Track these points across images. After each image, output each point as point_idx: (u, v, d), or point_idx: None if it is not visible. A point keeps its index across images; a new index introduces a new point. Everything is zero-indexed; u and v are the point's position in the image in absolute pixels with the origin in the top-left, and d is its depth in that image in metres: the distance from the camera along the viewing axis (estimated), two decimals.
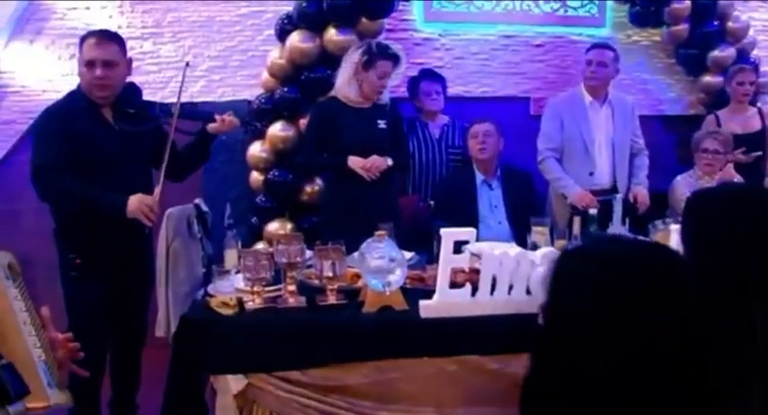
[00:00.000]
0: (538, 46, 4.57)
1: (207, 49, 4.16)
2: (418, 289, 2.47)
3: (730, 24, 4.40)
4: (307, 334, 2.24)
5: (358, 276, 2.52)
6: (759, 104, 4.32)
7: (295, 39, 3.71)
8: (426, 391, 2.25)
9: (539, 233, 2.82)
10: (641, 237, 1.90)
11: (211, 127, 2.85)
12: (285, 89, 3.80)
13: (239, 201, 4.20)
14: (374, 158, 3.22)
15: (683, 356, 1.03)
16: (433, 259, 2.78)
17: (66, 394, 1.26)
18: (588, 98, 3.69)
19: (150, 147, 2.72)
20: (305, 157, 3.43)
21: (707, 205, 1.53)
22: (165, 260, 2.74)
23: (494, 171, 3.58)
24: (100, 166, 2.58)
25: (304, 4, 3.72)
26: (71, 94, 2.69)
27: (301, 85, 3.79)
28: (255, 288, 2.31)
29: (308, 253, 2.48)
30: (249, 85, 4.15)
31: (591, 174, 3.66)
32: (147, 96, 2.91)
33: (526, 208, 3.41)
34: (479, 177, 3.57)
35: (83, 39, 2.64)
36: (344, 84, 3.28)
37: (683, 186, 3.68)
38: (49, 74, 3.98)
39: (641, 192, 3.65)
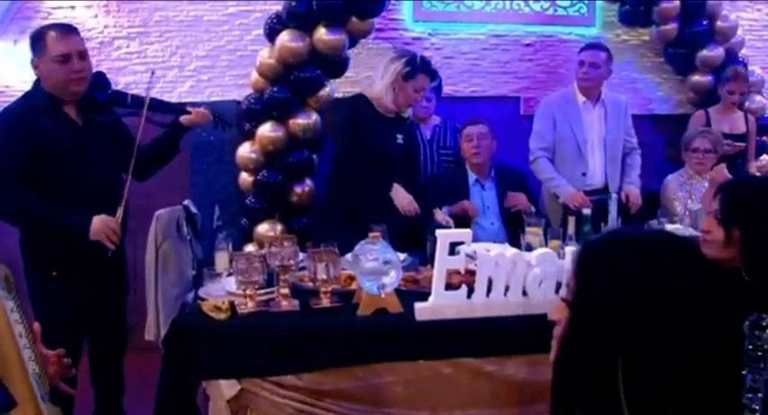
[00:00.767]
0: (527, 45, 4.57)
1: (195, 49, 4.12)
2: (412, 291, 2.44)
3: (719, 24, 4.41)
4: (301, 338, 2.20)
5: (352, 278, 2.49)
6: (747, 104, 4.34)
7: (285, 38, 3.67)
8: (422, 394, 2.23)
9: (533, 233, 2.81)
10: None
11: (185, 118, 2.77)
12: (275, 89, 3.76)
13: (228, 203, 4.16)
14: (413, 204, 3.18)
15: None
16: (426, 260, 2.77)
17: (58, 410, 1.23)
18: (581, 98, 3.68)
19: (114, 143, 2.62)
20: (346, 161, 3.26)
21: (749, 194, 1.65)
22: (155, 262, 2.70)
23: (487, 171, 3.56)
24: (64, 165, 2.47)
25: (293, 4, 3.68)
26: (29, 95, 2.55)
27: (291, 85, 3.75)
28: (248, 292, 2.27)
29: (301, 255, 2.45)
30: (238, 85, 4.12)
31: (583, 174, 3.65)
32: None
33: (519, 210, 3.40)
34: (472, 177, 3.54)
35: (40, 35, 2.48)
36: (383, 91, 3.22)
37: (675, 185, 3.68)
38: (33, 74, 3.89)
39: (633, 192, 3.64)
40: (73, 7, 3.99)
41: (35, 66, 2.51)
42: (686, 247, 1.11)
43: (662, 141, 4.75)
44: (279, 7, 3.86)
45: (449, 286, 2.28)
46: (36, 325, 1.29)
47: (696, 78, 4.51)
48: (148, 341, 2.67)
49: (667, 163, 4.52)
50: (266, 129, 3.79)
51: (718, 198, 1.70)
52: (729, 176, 3.53)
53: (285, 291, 2.31)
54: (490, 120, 3.68)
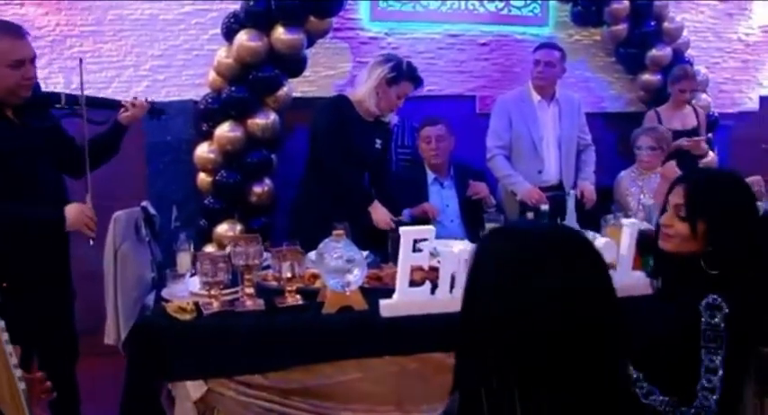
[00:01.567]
0: (483, 45, 4.63)
1: (150, 48, 4.05)
2: (376, 288, 2.47)
3: (666, 25, 4.55)
4: (267, 337, 2.22)
5: (315, 276, 2.50)
6: (694, 102, 4.49)
7: (243, 38, 3.65)
8: (388, 389, 2.27)
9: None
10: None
11: (123, 116, 2.72)
12: (233, 89, 3.73)
13: (185, 203, 4.12)
14: (390, 222, 3.14)
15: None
16: (387, 258, 2.79)
17: None
18: (536, 97, 3.76)
19: (54, 144, 2.56)
20: (333, 165, 3.18)
21: (716, 193, 1.73)
22: (113, 264, 2.65)
23: (446, 170, 3.60)
24: (8, 167, 2.37)
25: (251, 3, 3.66)
26: None
27: (249, 85, 3.73)
28: (213, 292, 2.27)
29: (264, 255, 2.46)
30: (194, 85, 4.07)
31: (539, 172, 3.73)
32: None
33: (478, 206, 3.45)
34: (431, 176, 3.58)
35: None
36: (367, 94, 3.20)
37: (627, 181, 3.79)
38: None
39: (588, 188, 3.73)
40: (22, 4, 3.88)
41: None
42: (580, 239, 1.14)
43: (613, 138, 4.88)
44: (235, 6, 3.83)
45: (411, 283, 2.32)
46: (17, 348, 1.27)
47: (646, 77, 4.65)
48: (107, 345, 2.62)
49: (619, 160, 4.65)
50: (225, 129, 3.76)
51: (683, 192, 1.73)
52: (679, 172, 3.66)
53: (250, 291, 2.31)
54: (447, 118, 3.73)
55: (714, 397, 1.56)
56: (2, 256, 2.38)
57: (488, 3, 4.56)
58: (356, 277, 2.28)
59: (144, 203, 2.87)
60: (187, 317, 2.23)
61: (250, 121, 3.77)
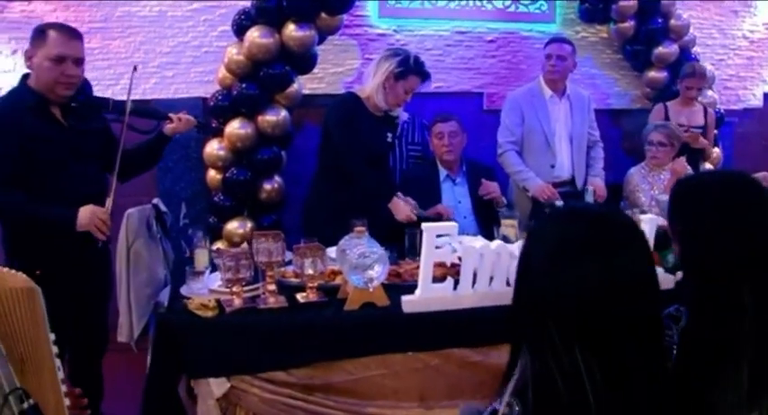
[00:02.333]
0: (490, 41, 4.64)
1: (158, 45, 4.03)
2: (396, 284, 2.47)
3: (673, 22, 4.57)
4: (290, 334, 2.22)
5: (335, 273, 2.50)
6: (700, 98, 4.50)
7: (254, 34, 3.64)
8: (411, 385, 2.27)
9: (508, 225, 2.86)
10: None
11: (168, 127, 2.76)
12: (243, 85, 3.72)
13: (194, 200, 4.12)
14: (409, 211, 3.13)
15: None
16: (403, 253, 2.79)
17: None
18: (548, 92, 3.76)
19: (101, 146, 2.61)
20: (352, 163, 3.14)
21: (694, 192, 1.58)
22: (126, 262, 2.64)
23: (458, 167, 3.59)
24: (50, 166, 2.45)
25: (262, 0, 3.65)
26: (14, 92, 2.53)
27: (260, 82, 3.72)
28: (235, 289, 2.26)
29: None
30: (204, 82, 4.06)
31: (552, 166, 3.73)
32: (97, 93, 2.80)
33: (491, 203, 3.45)
34: (443, 173, 3.57)
35: (43, 30, 2.46)
36: (375, 89, 3.17)
37: (637, 177, 3.79)
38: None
39: (599, 184, 3.73)
40: (29, 1, 3.86)
41: (28, 56, 2.47)
42: (631, 226, 1.19)
43: (619, 135, 4.90)
44: (244, 3, 3.82)
45: (432, 279, 2.32)
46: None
47: (652, 74, 4.67)
48: (120, 343, 2.62)
49: (624, 156, 4.67)
50: (235, 126, 3.75)
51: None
52: (689, 168, 3.68)
53: (272, 287, 2.31)
54: (457, 115, 3.73)
55: None
56: (35, 243, 2.43)
57: (496, 0, 4.56)
58: (378, 273, 2.27)
59: (155, 200, 2.87)
60: (209, 314, 2.22)
61: (260, 118, 3.77)
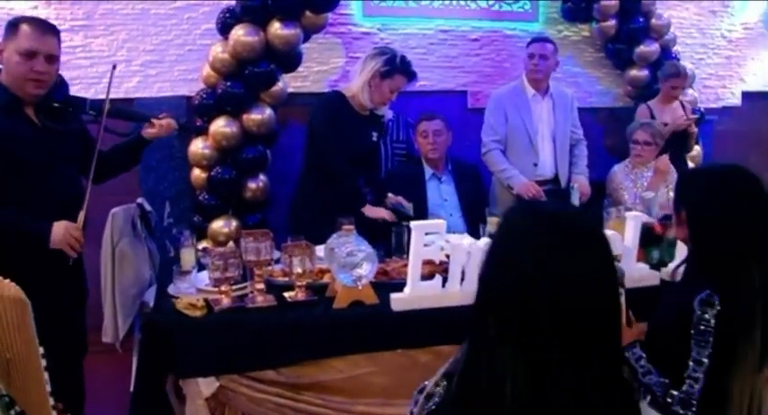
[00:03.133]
0: (474, 40, 4.66)
1: (141, 43, 4.00)
2: (383, 283, 2.47)
3: (654, 21, 4.63)
4: (279, 333, 2.21)
5: (323, 271, 2.50)
6: (680, 97, 4.56)
7: (239, 32, 3.62)
8: (401, 383, 2.26)
9: (495, 223, 2.87)
10: None
11: (148, 132, 2.66)
12: (228, 84, 3.70)
13: (178, 199, 4.09)
14: (384, 211, 3.19)
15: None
16: (389, 251, 2.80)
17: None
18: (531, 90, 3.78)
19: (77, 148, 2.51)
20: (335, 164, 3.16)
21: (695, 186, 1.83)
22: (111, 261, 2.61)
23: (444, 165, 3.60)
24: (24, 168, 2.34)
25: None
26: None
27: (245, 80, 3.71)
28: (223, 288, 2.26)
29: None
30: (188, 80, 4.03)
31: (535, 165, 3.75)
32: (78, 92, 2.71)
33: (476, 200, 3.47)
34: (428, 171, 3.59)
35: (16, 23, 2.34)
36: (360, 87, 3.16)
37: (621, 175, 3.83)
38: None
39: (582, 182, 3.76)
40: None
41: (0, 50, 2.36)
42: (593, 229, 1.20)
43: (602, 133, 4.94)
44: (228, 2, 3.81)
45: (420, 277, 2.32)
46: None
47: (634, 72, 4.73)
48: (104, 344, 2.59)
49: (606, 154, 4.71)
50: (220, 125, 3.74)
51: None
52: (672, 166, 3.72)
53: (260, 286, 2.30)
54: (443, 113, 3.75)
55: (698, 386, 1.62)
56: (7, 251, 2.31)
57: None
58: (367, 271, 2.28)
59: (140, 200, 2.84)
60: (198, 314, 2.21)
61: (245, 117, 3.75)
